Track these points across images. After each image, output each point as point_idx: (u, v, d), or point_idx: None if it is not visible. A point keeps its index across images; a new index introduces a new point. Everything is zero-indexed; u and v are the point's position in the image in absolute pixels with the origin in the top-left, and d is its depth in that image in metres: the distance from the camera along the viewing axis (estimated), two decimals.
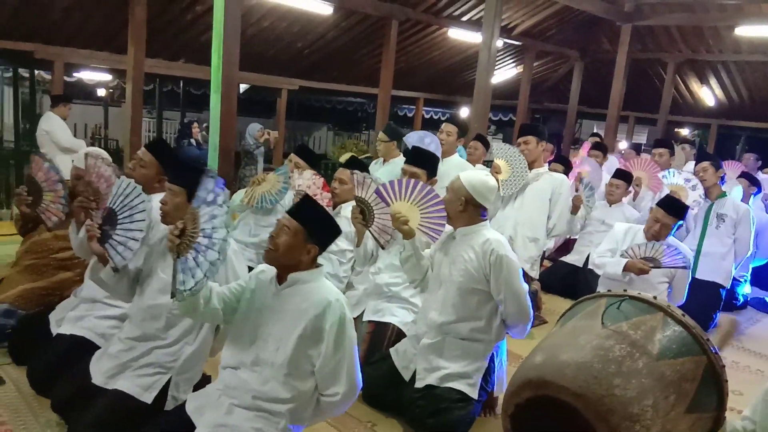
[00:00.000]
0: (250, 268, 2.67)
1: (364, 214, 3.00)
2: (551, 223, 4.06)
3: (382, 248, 3.05)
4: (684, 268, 3.54)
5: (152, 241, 2.55)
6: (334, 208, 3.73)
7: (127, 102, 6.24)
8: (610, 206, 5.08)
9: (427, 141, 4.50)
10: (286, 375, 2.07)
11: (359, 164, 3.71)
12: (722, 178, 4.79)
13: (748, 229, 4.65)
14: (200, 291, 2.08)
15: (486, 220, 2.83)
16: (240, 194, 4.18)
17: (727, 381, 2.04)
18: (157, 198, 2.52)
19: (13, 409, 2.62)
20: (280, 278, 2.18)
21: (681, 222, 3.73)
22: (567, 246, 5.41)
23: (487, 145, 5.49)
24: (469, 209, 2.75)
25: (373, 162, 5.03)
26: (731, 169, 6.36)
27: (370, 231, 3.03)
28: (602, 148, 6.48)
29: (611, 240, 3.88)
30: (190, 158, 7.42)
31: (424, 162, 3.32)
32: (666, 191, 4.65)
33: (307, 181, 3.74)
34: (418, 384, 2.79)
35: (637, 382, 1.86)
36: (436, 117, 16.19)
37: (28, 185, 2.96)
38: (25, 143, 9.24)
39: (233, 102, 4.73)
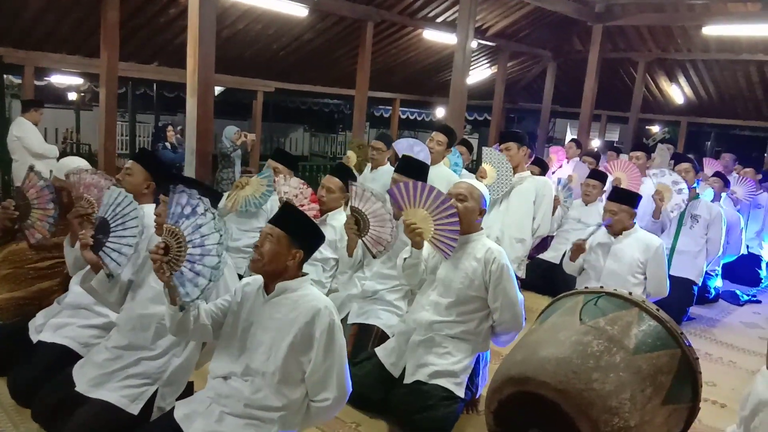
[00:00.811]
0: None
1: (358, 225, 3.09)
2: (536, 224, 4.20)
3: (374, 257, 3.12)
4: (600, 226, 3.72)
5: (144, 251, 2.54)
6: (321, 215, 3.74)
7: (101, 107, 6.16)
8: (587, 206, 5.20)
9: (417, 149, 4.53)
10: (278, 383, 2.08)
11: (348, 173, 3.71)
12: (697, 181, 4.95)
13: (719, 230, 4.85)
14: (208, 297, 2.10)
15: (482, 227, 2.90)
16: (222, 198, 4.16)
17: (700, 373, 2.11)
18: (148, 208, 2.53)
19: None
20: (267, 287, 2.19)
21: (635, 210, 3.75)
22: (544, 243, 5.49)
23: (471, 148, 5.59)
24: (480, 217, 2.84)
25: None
26: (710, 166, 6.52)
27: (363, 241, 3.10)
28: (596, 155, 6.65)
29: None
30: (166, 162, 7.34)
31: (414, 171, 3.33)
32: (649, 186, 4.77)
33: (294, 189, 3.70)
34: (407, 380, 2.83)
35: (615, 376, 1.91)
36: (412, 117, 16.27)
37: (17, 199, 2.95)
38: None
39: (209, 105, 4.70)
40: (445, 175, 4.66)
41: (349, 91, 9.99)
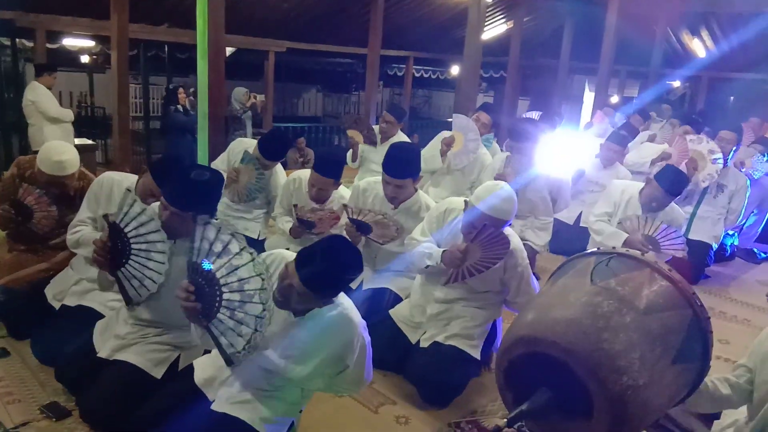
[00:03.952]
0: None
1: (361, 230, 3.14)
2: (557, 208, 4.19)
3: (381, 245, 3.18)
4: (682, 251, 3.56)
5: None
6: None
7: (112, 70, 6.14)
8: (605, 168, 5.10)
9: (471, 136, 4.43)
10: (303, 383, 2.12)
11: (336, 165, 3.40)
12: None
13: (742, 201, 4.80)
14: (257, 346, 1.93)
15: None
16: (222, 160, 4.08)
17: (711, 332, 2.10)
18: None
19: (20, 379, 2.68)
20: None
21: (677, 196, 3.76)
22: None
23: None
24: None
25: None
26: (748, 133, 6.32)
27: (367, 238, 3.17)
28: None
29: (608, 202, 3.91)
30: (179, 124, 7.34)
31: (407, 171, 3.11)
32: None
33: (321, 213, 3.40)
34: (424, 344, 2.88)
35: (625, 336, 1.92)
36: (426, 75, 16.01)
37: (15, 207, 3.00)
38: (10, 113, 9.10)
39: (221, 67, 4.67)
40: (482, 155, 4.60)
41: (361, 49, 9.83)
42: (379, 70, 8.75)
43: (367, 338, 2.10)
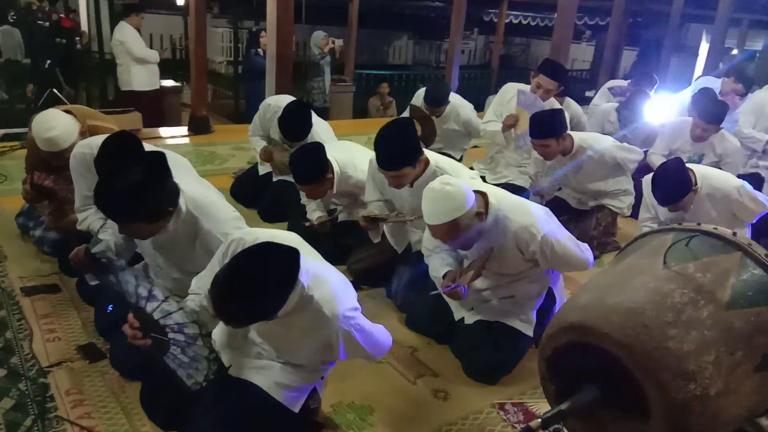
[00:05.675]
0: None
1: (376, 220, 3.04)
2: (628, 167, 3.75)
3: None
4: None
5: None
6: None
7: (190, 10, 6.08)
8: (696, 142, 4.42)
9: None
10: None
11: (310, 170, 3.06)
12: None
13: None
14: (215, 371, 1.83)
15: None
16: (255, 125, 3.91)
17: None
18: None
19: (65, 317, 2.73)
20: None
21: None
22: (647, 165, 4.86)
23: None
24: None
25: None
26: None
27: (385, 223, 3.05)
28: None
29: (645, 205, 3.45)
30: (258, 69, 7.25)
31: (400, 161, 2.69)
32: None
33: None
34: (468, 321, 2.64)
35: (698, 333, 1.59)
36: (525, 22, 15.04)
37: (36, 190, 3.02)
38: (108, 53, 9.43)
39: (289, 6, 4.47)
40: None
41: None
42: (468, 14, 8.15)
43: (356, 325, 1.85)
